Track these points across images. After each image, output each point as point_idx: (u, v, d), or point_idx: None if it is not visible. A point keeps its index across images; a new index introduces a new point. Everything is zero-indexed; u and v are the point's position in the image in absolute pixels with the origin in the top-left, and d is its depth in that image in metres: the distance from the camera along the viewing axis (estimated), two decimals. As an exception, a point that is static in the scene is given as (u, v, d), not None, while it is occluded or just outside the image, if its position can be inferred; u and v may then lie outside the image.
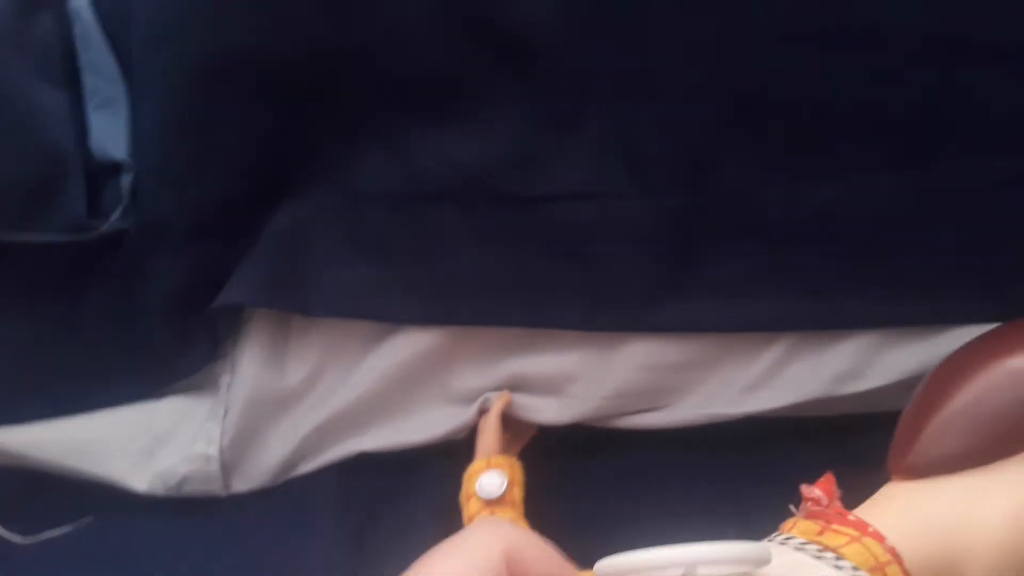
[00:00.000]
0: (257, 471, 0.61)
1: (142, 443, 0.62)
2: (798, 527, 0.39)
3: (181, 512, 0.60)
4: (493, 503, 0.52)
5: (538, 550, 0.28)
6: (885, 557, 0.37)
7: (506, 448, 0.57)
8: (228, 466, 0.60)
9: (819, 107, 0.55)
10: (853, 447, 0.47)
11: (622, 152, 0.57)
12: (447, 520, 0.54)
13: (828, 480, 0.41)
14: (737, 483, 0.54)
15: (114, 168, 0.62)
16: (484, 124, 0.58)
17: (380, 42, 0.58)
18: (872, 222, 0.55)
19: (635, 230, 0.57)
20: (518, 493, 0.53)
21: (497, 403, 0.57)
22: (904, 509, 0.40)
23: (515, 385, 0.59)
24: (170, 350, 0.62)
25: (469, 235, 0.58)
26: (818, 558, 0.36)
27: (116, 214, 0.61)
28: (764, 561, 0.30)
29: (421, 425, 0.59)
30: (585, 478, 0.58)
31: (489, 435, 0.55)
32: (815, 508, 0.40)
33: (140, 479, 0.61)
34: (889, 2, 0.53)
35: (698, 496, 0.55)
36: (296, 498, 0.61)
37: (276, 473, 0.61)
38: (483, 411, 0.59)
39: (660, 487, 0.56)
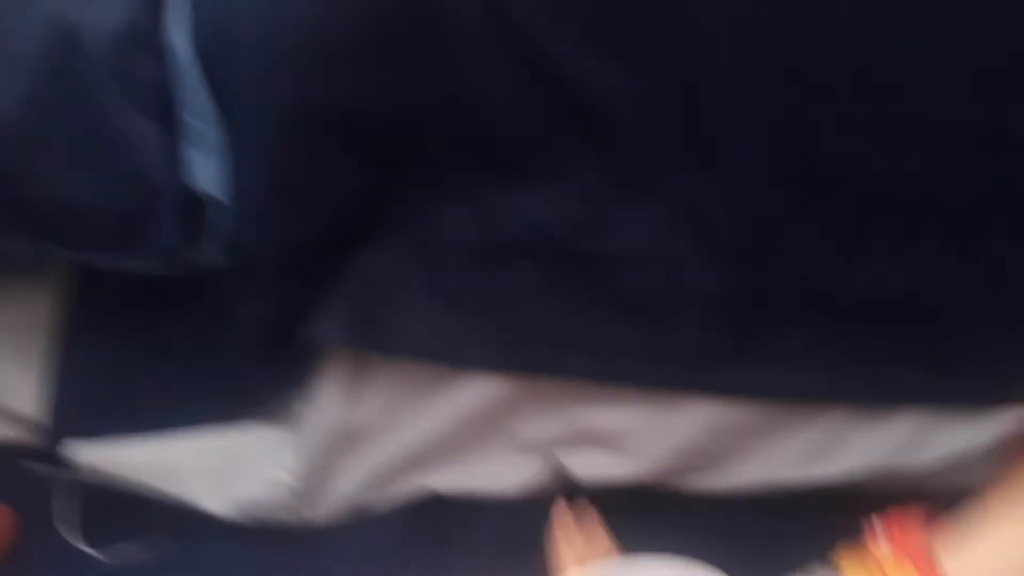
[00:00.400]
0: (329, 501, 0.64)
1: (220, 467, 0.65)
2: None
3: (254, 538, 0.64)
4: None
5: None
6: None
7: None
8: (302, 495, 0.64)
9: (881, 188, 0.58)
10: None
11: (688, 220, 0.60)
12: (513, 559, 0.57)
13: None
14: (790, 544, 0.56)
15: (207, 203, 0.65)
16: (559, 185, 0.61)
17: (465, 103, 0.61)
18: (928, 299, 0.58)
19: (700, 295, 0.60)
20: None
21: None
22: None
23: (578, 438, 0.62)
24: (252, 380, 0.65)
25: (542, 289, 0.61)
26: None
27: (208, 249, 0.64)
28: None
29: (488, 472, 0.62)
30: (639, 537, 0.60)
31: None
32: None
33: (216, 502, 0.65)
34: (954, 97, 0.56)
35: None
36: (367, 531, 0.64)
37: (348, 504, 0.65)
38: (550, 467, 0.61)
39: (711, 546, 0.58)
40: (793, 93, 0.57)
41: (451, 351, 0.62)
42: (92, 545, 0.66)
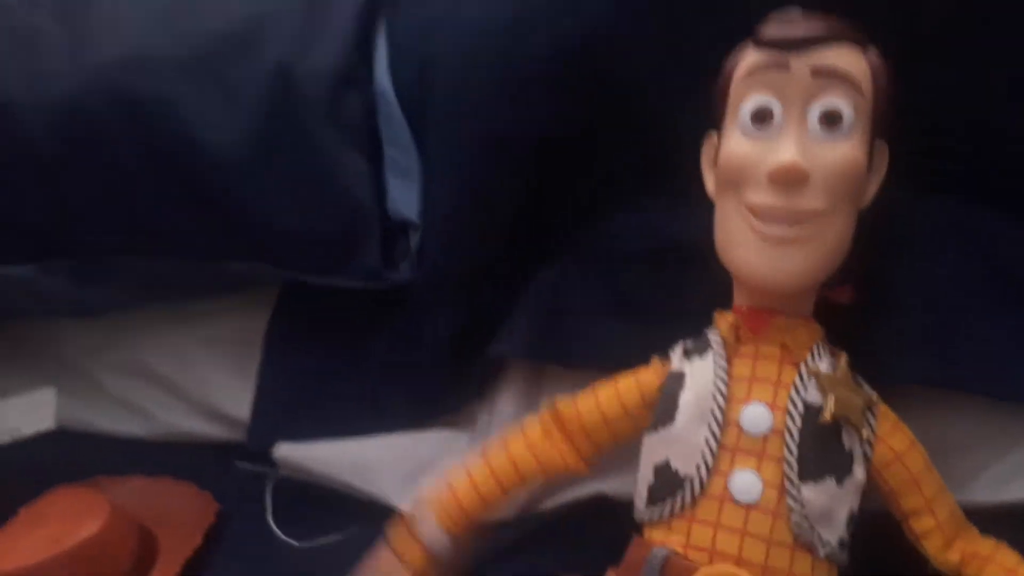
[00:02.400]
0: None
1: (409, 468, 0.70)
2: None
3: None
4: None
5: None
6: None
7: None
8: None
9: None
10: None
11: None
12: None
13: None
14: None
15: (405, 227, 0.72)
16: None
17: (638, 121, 0.65)
18: None
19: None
20: None
21: None
22: None
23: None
24: (440, 388, 0.71)
25: (711, 297, 0.64)
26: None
27: (404, 267, 0.71)
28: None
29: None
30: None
31: None
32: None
33: (405, 500, 0.70)
34: None
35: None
36: (537, 532, 0.67)
37: (523, 505, 0.68)
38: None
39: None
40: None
41: (626, 359, 0.65)
42: (287, 533, 0.72)
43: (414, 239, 0.71)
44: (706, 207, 0.56)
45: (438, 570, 0.59)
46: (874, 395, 0.52)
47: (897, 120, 0.53)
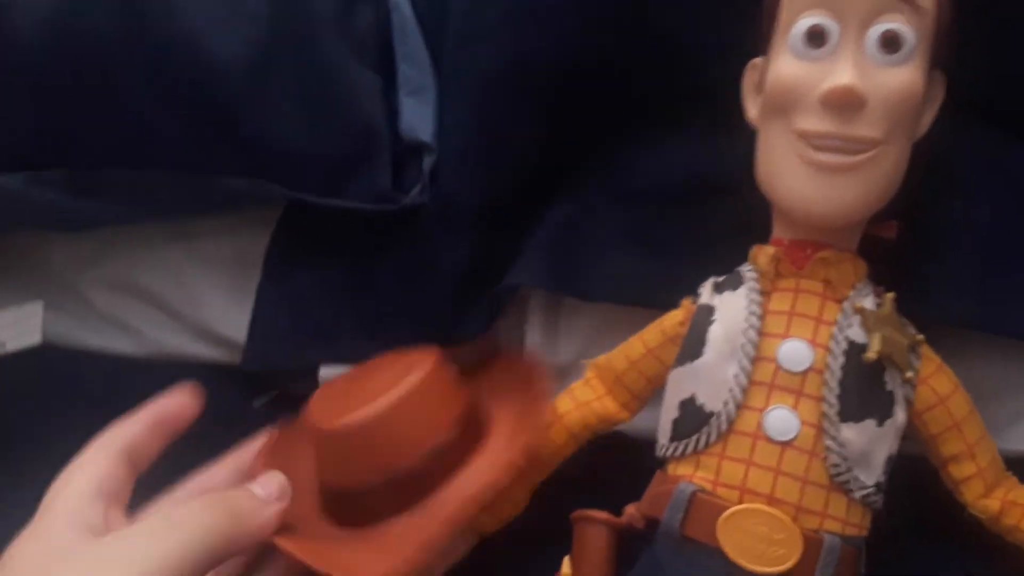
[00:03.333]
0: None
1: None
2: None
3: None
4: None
5: None
6: None
7: None
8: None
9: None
10: None
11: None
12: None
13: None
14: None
15: (418, 149, 0.68)
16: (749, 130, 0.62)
17: (664, 54, 0.62)
18: None
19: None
20: None
21: None
22: None
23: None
24: (447, 318, 0.68)
25: (740, 228, 0.62)
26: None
27: (415, 191, 0.67)
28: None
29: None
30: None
31: None
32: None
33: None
34: None
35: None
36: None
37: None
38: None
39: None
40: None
41: (645, 295, 0.62)
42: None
43: (427, 163, 0.68)
44: (737, 139, 0.54)
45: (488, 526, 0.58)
46: (919, 336, 0.50)
47: (955, 50, 0.51)
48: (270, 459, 0.57)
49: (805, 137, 0.48)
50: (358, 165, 0.67)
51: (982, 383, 0.53)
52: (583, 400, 0.57)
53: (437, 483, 0.52)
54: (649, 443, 0.58)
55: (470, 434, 0.55)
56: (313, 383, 0.71)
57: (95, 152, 0.69)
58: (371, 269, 0.70)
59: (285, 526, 0.49)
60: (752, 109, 0.53)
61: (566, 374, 0.65)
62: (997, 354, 0.55)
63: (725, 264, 0.56)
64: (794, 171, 0.48)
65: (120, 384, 0.74)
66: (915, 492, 0.51)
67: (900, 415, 0.48)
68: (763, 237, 0.54)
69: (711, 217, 0.62)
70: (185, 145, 0.68)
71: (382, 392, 0.53)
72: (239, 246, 0.75)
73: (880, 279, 0.52)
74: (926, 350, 0.50)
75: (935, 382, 0.50)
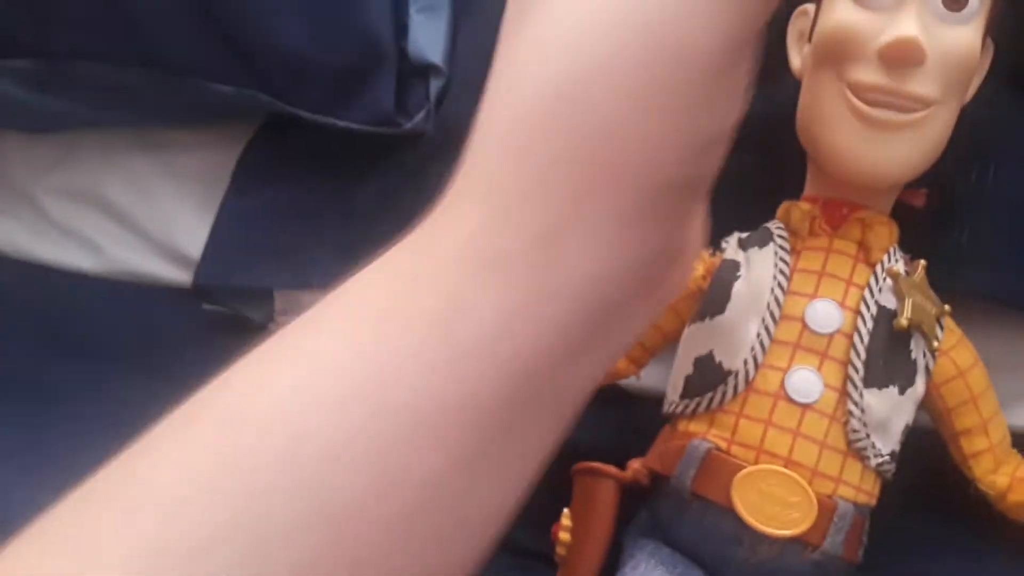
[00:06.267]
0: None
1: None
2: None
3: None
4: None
5: None
6: None
7: None
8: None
9: None
10: None
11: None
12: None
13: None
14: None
15: (425, 71, 0.64)
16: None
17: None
18: None
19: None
20: None
21: None
22: None
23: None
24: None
25: (763, 186, 0.60)
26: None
27: (420, 116, 0.63)
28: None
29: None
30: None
31: None
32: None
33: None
34: None
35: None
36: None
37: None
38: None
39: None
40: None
41: None
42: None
43: (434, 87, 0.64)
44: (772, 89, 0.51)
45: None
46: (946, 307, 0.49)
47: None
48: None
49: (857, 90, 0.45)
50: (358, 82, 0.63)
51: (998, 356, 0.52)
52: None
53: None
54: (645, 397, 0.56)
55: None
56: (269, 309, 0.67)
57: (69, 43, 0.62)
58: (353, 193, 0.66)
59: None
60: (796, 59, 0.51)
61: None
62: (1015, 327, 0.55)
63: (751, 221, 0.55)
64: (842, 125, 0.46)
65: (73, 301, 0.69)
66: (918, 464, 0.50)
67: (920, 385, 0.47)
68: (791, 194, 0.52)
69: (738, 171, 0.59)
70: (173, 43, 0.62)
71: None
72: (212, 161, 0.69)
73: (905, 247, 0.50)
74: (948, 321, 0.49)
75: (956, 354, 0.49)
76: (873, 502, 0.47)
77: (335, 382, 0.23)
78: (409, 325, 0.23)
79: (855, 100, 0.46)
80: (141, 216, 0.70)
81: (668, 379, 0.52)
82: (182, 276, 0.70)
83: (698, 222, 0.28)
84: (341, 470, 0.22)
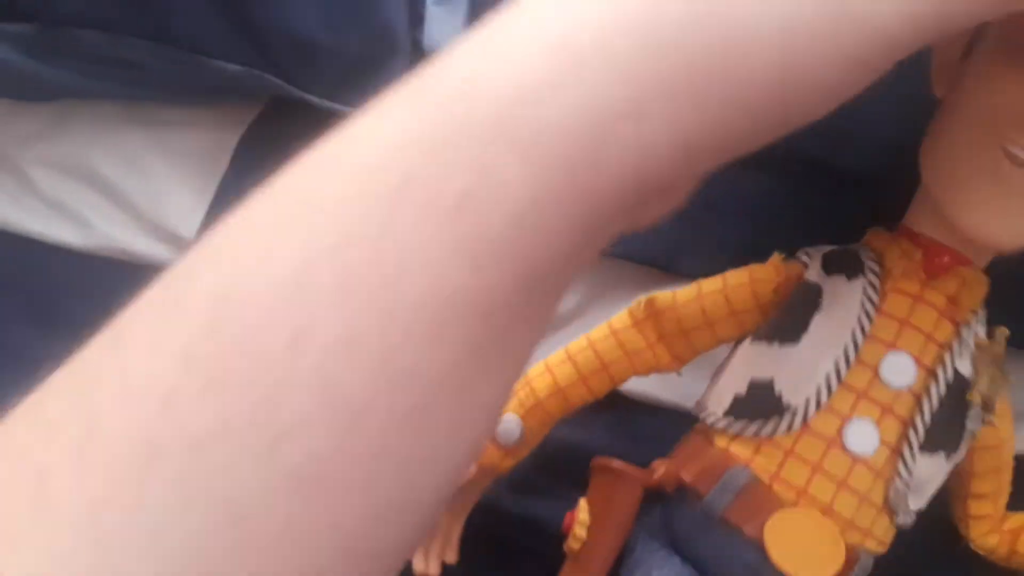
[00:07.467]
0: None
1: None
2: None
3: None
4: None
5: None
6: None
7: None
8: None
9: None
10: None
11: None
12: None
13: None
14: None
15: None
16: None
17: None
18: None
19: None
20: None
21: None
22: None
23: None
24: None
25: (779, 199, 0.57)
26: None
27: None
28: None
29: (675, 385, 0.57)
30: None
31: None
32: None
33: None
34: None
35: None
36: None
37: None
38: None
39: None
40: None
41: (666, 256, 0.59)
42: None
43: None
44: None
45: (506, 465, 0.51)
46: (1010, 377, 0.48)
47: None
48: None
49: (1016, 159, 0.41)
50: (370, 71, 0.57)
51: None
52: (633, 349, 0.50)
53: None
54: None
55: None
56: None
57: (76, 9, 0.55)
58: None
59: None
60: (942, 87, 0.46)
61: (560, 324, 0.60)
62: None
63: (822, 228, 0.51)
64: (986, 187, 0.42)
65: (57, 276, 0.65)
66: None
67: (963, 451, 0.47)
68: (880, 215, 0.49)
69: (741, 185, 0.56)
70: (183, 17, 0.56)
71: None
72: (209, 141, 0.64)
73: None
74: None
75: (1000, 424, 0.49)
76: (884, 551, 0.48)
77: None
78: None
79: (1008, 165, 0.41)
80: (133, 192, 0.65)
81: (698, 387, 0.50)
82: (169, 254, 0.65)
83: None
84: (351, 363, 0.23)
